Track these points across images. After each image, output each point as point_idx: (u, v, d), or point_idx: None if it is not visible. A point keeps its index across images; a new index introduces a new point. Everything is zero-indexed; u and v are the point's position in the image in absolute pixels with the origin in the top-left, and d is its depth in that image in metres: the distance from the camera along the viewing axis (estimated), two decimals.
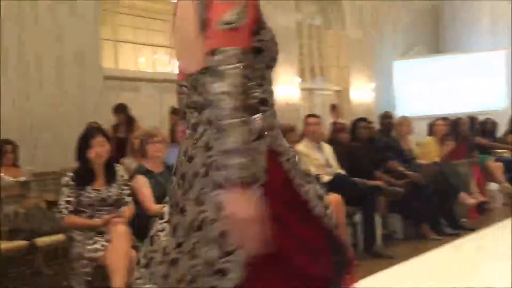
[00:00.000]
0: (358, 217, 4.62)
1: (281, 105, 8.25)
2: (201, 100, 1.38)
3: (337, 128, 5.38)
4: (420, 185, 5.00)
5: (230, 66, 1.23)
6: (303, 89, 8.98)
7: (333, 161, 4.82)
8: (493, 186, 6.58)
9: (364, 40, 10.14)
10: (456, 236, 4.94)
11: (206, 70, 1.28)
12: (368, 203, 4.46)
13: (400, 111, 9.74)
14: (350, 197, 4.35)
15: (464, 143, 6.46)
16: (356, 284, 1.51)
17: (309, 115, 4.92)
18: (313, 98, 9.58)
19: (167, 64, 7.73)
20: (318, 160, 4.70)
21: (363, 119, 5.49)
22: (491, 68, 10.36)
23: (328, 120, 8.81)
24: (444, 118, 6.55)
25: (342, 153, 5.10)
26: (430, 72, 10.55)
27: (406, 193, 4.78)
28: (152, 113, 6.67)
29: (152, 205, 3.32)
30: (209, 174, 1.32)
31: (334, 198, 4.18)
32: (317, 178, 4.32)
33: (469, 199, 5.58)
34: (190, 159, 1.39)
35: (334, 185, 4.38)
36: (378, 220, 4.62)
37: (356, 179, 4.68)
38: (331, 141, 5.25)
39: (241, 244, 1.25)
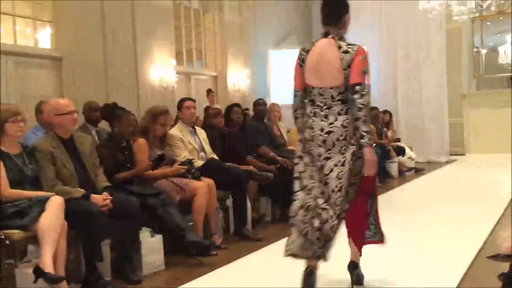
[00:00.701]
0: (229, 201, 4.70)
1: (156, 88, 8.08)
2: (347, 100, 2.86)
3: (211, 113, 5.39)
4: (289, 170, 5.21)
5: (366, 91, 2.79)
6: (179, 73, 8.85)
7: (206, 146, 4.83)
8: None
9: (242, 27, 10.27)
10: None
11: (353, 90, 2.79)
12: (240, 188, 4.54)
13: (274, 98, 10.09)
14: (222, 181, 4.41)
15: None
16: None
17: (184, 99, 4.86)
18: (189, 82, 9.51)
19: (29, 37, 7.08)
20: (192, 144, 4.67)
21: (236, 105, 5.57)
22: None
23: (203, 105, 8.83)
24: None
25: (216, 138, 5.14)
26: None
27: (275, 178, 4.95)
28: (12, 87, 6.12)
29: (7, 190, 3.04)
30: (347, 139, 2.83)
31: (206, 182, 4.21)
32: (190, 162, 4.30)
33: None
34: (330, 132, 2.86)
35: (207, 170, 4.40)
36: (248, 204, 4.73)
37: (229, 164, 4.74)
38: (205, 126, 5.25)
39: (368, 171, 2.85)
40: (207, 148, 4.83)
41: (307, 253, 2.88)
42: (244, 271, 3.62)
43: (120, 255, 3.49)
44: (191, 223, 4.08)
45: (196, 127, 4.90)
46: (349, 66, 2.79)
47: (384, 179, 7.81)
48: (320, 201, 2.85)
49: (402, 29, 11.25)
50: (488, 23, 12.61)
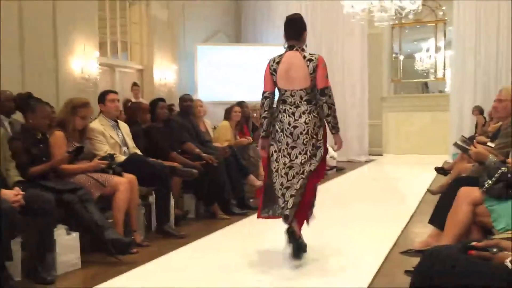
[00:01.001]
0: (152, 198, 4.60)
1: (77, 79, 7.74)
2: (312, 100, 3.61)
3: (136, 107, 5.24)
4: (214, 166, 5.20)
5: (331, 93, 3.61)
6: (102, 64, 8.54)
7: (129, 140, 4.69)
8: None
9: (170, 21, 10.09)
10: (244, 215, 5.29)
11: (322, 93, 3.56)
12: (163, 184, 4.46)
13: (201, 95, 10.02)
14: (145, 177, 4.30)
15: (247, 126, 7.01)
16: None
17: (107, 91, 4.68)
18: (114, 74, 9.20)
19: None
20: (114, 139, 4.52)
21: (161, 100, 5.46)
22: None
23: (128, 99, 8.58)
24: (240, 104, 6.91)
25: (140, 133, 5.01)
26: (230, 60, 11.06)
27: (200, 174, 4.91)
28: None
29: None
30: (308, 134, 3.59)
31: (128, 178, 4.09)
32: (112, 157, 4.16)
33: (257, 181, 6.02)
34: (295, 127, 3.57)
35: (129, 165, 4.27)
36: (172, 200, 4.66)
37: (152, 159, 4.63)
38: (129, 120, 5.11)
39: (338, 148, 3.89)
40: (130, 142, 4.69)
41: (275, 213, 3.73)
42: (166, 269, 3.56)
43: (32, 254, 3.30)
44: (111, 220, 3.94)
45: (118, 121, 4.74)
46: (314, 71, 3.56)
47: None
48: (284, 180, 3.57)
49: (327, 31, 11.58)
50: (406, 31, 13.32)
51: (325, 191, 7.19)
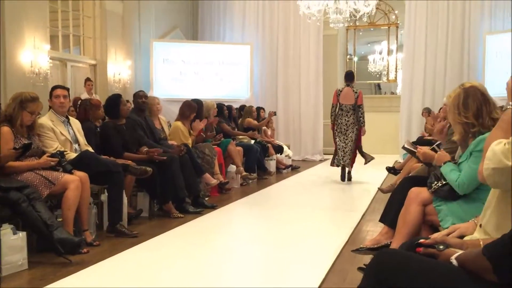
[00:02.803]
0: (104, 196, 4.49)
1: (27, 73, 7.47)
2: (352, 110, 7.53)
3: (87, 103, 5.10)
4: (168, 164, 5.13)
5: (363, 108, 7.62)
6: (53, 58, 8.27)
7: (81, 137, 4.56)
8: (232, 168, 7.22)
9: (124, 15, 9.89)
10: (198, 213, 5.26)
11: (360, 107, 7.48)
12: (116, 182, 4.36)
13: (157, 91, 9.89)
14: (97, 175, 4.20)
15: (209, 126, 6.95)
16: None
17: (55, 87, 4.52)
18: (65, 69, 8.93)
19: None
20: (65, 135, 4.38)
21: (117, 96, 5.34)
22: (239, 59, 11.36)
23: (81, 94, 8.36)
24: (196, 101, 6.84)
25: (92, 130, 4.88)
26: (186, 57, 10.97)
27: (154, 172, 4.83)
28: None
29: None
30: (353, 124, 7.55)
31: (79, 176, 3.98)
32: (62, 154, 4.04)
33: (212, 180, 6.00)
34: (347, 122, 7.54)
35: (80, 163, 4.16)
36: (125, 199, 4.57)
37: (105, 157, 4.53)
38: (81, 117, 4.97)
39: (363, 133, 7.73)
40: (82, 139, 4.56)
41: (340, 163, 7.60)
42: (117, 269, 3.49)
43: None
44: (60, 219, 3.82)
45: (70, 117, 4.60)
46: (357, 97, 7.43)
47: (262, 175, 8.05)
48: (344, 147, 7.53)
49: (284, 31, 11.68)
50: (361, 33, 13.61)
51: (279, 190, 7.28)
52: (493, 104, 2.76)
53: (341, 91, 7.49)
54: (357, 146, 7.62)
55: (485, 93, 2.78)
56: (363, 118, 7.46)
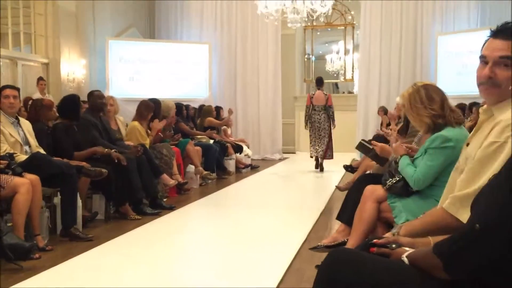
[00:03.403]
0: (57, 199, 4.35)
1: None
2: (324, 110, 8.88)
3: (39, 104, 4.93)
4: (125, 166, 5.03)
5: (332, 108, 8.96)
6: (3, 57, 7.96)
7: (31, 139, 4.40)
8: (190, 168, 7.15)
9: (78, 12, 9.63)
10: (156, 215, 5.18)
11: (330, 107, 8.87)
12: (69, 184, 4.23)
13: (113, 91, 9.67)
14: (49, 177, 4.07)
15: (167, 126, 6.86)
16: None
17: (4, 87, 4.35)
18: (16, 68, 8.61)
19: None
20: (14, 137, 4.22)
21: (76, 96, 5.20)
22: (197, 59, 11.28)
23: (33, 94, 8.08)
24: (153, 101, 6.73)
25: (44, 131, 4.72)
26: (143, 56, 10.80)
27: (110, 174, 4.72)
28: None
29: None
30: (326, 123, 8.99)
31: (30, 178, 3.84)
32: (11, 156, 3.89)
33: (170, 180, 5.92)
34: (320, 120, 8.97)
35: (31, 165, 4.01)
36: (79, 201, 4.44)
37: (57, 158, 4.38)
38: (32, 118, 4.79)
39: (334, 127, 9.19)
40: (32, 141, 4.40)
41: (313, 155, 9.04)
42: (71, 274, 3.39)
43: None
44: (10, 224, 3.68)
45: (20, 118, 4.44)
46: (327, 99, 8.81)
47: (222, 175, 8.02)
48: (318, 141, 8.86)
49: (242, 31, 11.67)
50: (318, 33, 13.77)
51: (239, 189, 7.27)
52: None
53: (313, 94, 8.86)
54: (330, 140, 8.91)
55: (440, 89, 2.85)
56: (333, 116, 8.84)
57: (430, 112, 2.73)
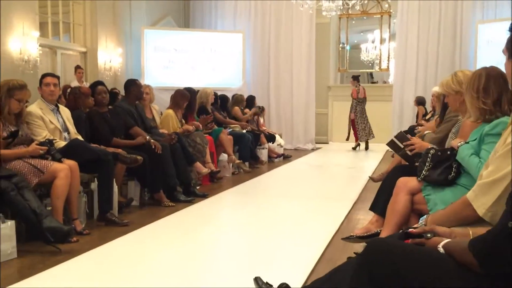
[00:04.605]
0: (94, 185, 4.47)
1: (15, 60, 7.39)
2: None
3: (77, 92, 5.05)
4: (159, 153, 5.11)
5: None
6: (43, 45, 8.18)
7: (70, 126, 4.52)
8: (223, 156, 7.20)
9: (115, 3, 9.78)
10: (189, 202, 5.25)
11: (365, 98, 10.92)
12: (106, 170, 4.33)
13: (148, 80, 9.81)
14: (86, 163, 4.17)
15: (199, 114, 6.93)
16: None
17: (44, 74, 4.48)
18: (55, 56, 8.84)
19: None
20: (54, 124, 4.35)
21: (100, 83, 5.30)
22: (231, 48, 11.29)
23: (71, 82, 8.28)
24: (189, 90, 6.79)
25: (82, 118, 4.84)
26: (177, 45, 10.89)
27: (145, 161, 4.81)
28: None
29: None
30: None
31: (69, 164, 3.95)
32: (51, 142, 4.00)
33: (203, 169, 5.98)
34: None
35: (70, 151, 4.12)
36: (115, 187, 4.55)
37: (94, 145, 4.49)
38: (71, 105, 4.91)
39: None
40: (71, 128, 4.52)
41: (363, 139, 11.04)
42: (107, 258, 3.48)
43: None
44: (49, 208, 3.80)
45: (59, 105, 4.56)
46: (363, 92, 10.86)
47: (254, 164, 8.05)
48: (364, 128, 10.99)
49: (276, 19, 11.60)
50: (353, 21, 13.55)
51: (271, 178, 7.28)
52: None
53: (358, 90, 10.79)
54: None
55: (506, 78, 2.45)
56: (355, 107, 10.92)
57: (480, 106, 2.48)
